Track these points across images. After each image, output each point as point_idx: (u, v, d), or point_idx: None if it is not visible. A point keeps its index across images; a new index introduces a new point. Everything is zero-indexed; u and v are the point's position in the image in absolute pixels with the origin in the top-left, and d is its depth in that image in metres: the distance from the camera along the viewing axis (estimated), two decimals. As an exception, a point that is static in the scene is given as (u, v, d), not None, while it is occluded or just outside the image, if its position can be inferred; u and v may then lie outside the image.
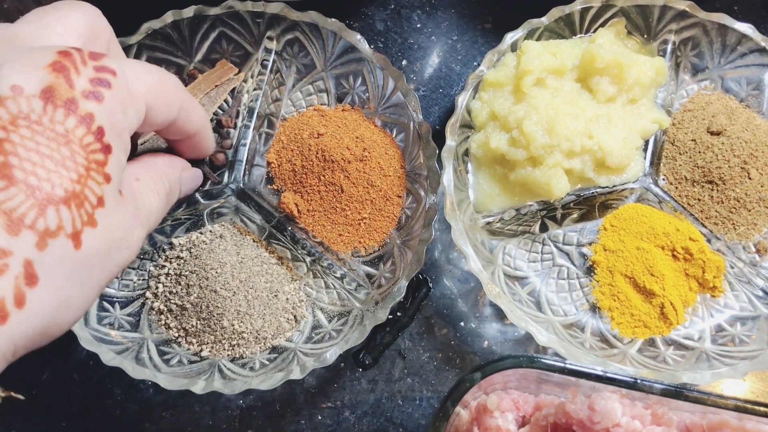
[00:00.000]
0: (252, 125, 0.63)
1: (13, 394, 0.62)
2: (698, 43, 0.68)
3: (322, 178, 0.61)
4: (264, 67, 0.65)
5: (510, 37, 0.64)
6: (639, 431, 0.44)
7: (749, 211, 0.63)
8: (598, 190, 0.63)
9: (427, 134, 0.60)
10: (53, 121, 0.31)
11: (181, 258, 0.61)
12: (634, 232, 0.63)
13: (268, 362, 0.58)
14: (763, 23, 0.75)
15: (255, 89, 0.64)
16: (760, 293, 0.61)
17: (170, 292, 0.59)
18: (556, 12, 0.65)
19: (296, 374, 0.54)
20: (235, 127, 0.65)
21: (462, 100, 0.62)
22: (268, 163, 0.65)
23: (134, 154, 0.45)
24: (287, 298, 0.60)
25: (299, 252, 0.62)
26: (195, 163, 0.50)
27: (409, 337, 0.64)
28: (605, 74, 0.63)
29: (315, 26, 0.63)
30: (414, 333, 0.65)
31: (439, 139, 0.60)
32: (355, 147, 0.61)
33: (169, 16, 0.63)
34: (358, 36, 0.63)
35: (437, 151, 0.59)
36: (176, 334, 0.59)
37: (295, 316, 0.60)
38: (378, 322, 0.55)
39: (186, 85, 0.64)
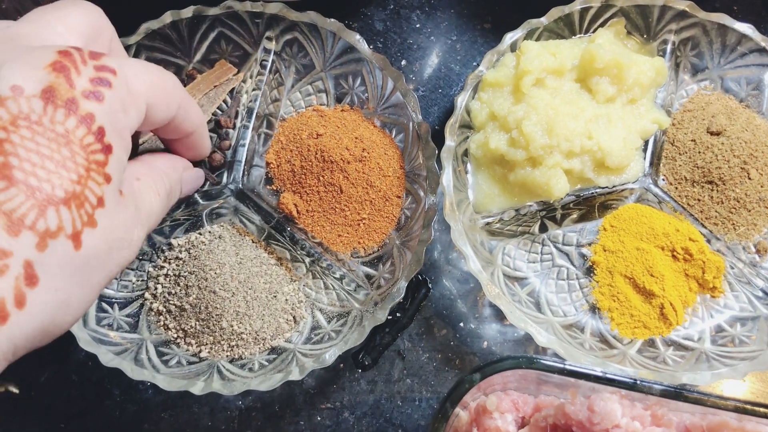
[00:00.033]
0: (251, 126, 0.63)
1: (8, 388, 0.62)
2: (698, 43, 0.68)
3: (321, 178, 0.61)
4: (263, 67, 0.65)
5: (509, 38, 0.64)
6: (639, 432, 0.44)
7: (749, 211, 0.63)
8: (597, 190, 0.63)
9: (426, 135, 0.60)
10: (53, 121, 0.31)
11: (180, 259, 0.61)
12: (634, 233, 0.62)
13: (267, 363, 0.58)
14: (762, 23, 0.75)
15: (254, 89, 0.64)
16: (760, 294, 0.61)
17: (169, 293, 0.59)
18: (556, 12, 0.65)
19: (295, 375, 0.54)
20: (234, 128, 0.65)
21: (461, 100, 0.62)
22: (267, 164, 0.65)
23: (135, 153, 0.45)
24: (286, 299, 0.60)
25: (298, 253, 0.62)
26: (194, 164, 0.50)
27: (409, 338, 0.64)
28: (605, 74, 0.63)
29: (314, 26, 0.63)
30: (413, 334, 0.64)
31: (439, 139, 0.60)
32: (354, 147, 0.61)
33: (167, 17, 0.63)
34: (357, 36, 0.63)
35: (436, 152, 0.59)
36: (175, 335, 0.59)
37: (294, 317, 0.60)
38: (377, 322, 0.55)
39: (185, 86, 0.64)
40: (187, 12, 0.63)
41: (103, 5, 0.41)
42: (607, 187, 0.63)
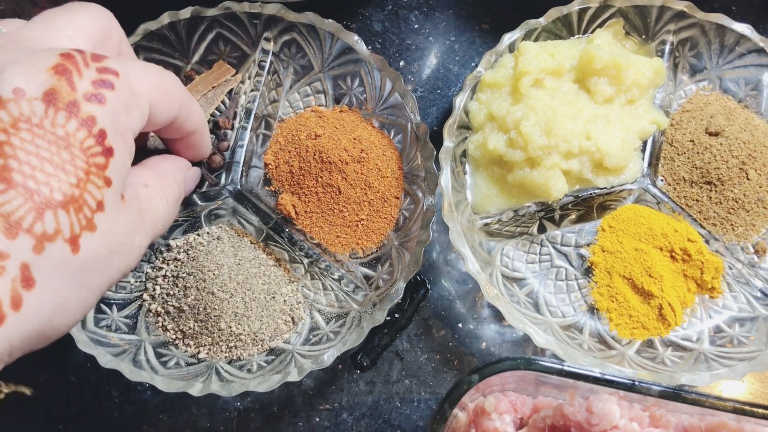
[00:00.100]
0: (249, 127, 0.63)
1: (19, 388, 0.62)
2: (696, 44, 0.68)
3: (319, 179, 0.61)
4: (261, 68, 0.65)
5: (508, 38, 0.64)
6: (637, 433, 0.44)
7: (748, 211, 0.63)
8: (596, 191, 0.63)
9: (424, 135, 0.60)
10: (54, 124, 0.31)
11: (179, 260, 0.60)
12: (633, 233, 0.62)
13: (265, 364, 0.58)
14: (761, 23, 0.75)
15: (252, 90, 0.64)
16: (759, 294, 0.61)
17: (167, 294, 0.59)
18: (554, 12, 0.65)
19: (294, 376, 0.54)
20: (232, 129, 0.65)
21: (460, 101, 0.62)
22: (266, 165, 0.65)
23: (143, 154, 0.45)
24: (285, 300, 0.60)
25: (297, 254, 0.62)
26: (192, 164, 0.50)
27: (407, 339, 0.64)
28: (603, 75, 0.63)
29: (312, 27, 0.63)
30: (412, 334, 0.64)
31: (437, 140, 0.60)
32: (352, 148, 0.61)
33: (165, 17, 0.63)
34: (356, 37, 0.63)
35: (435, 153, 0.59)
36: (173, 336, 0.59)
37: (292, 318, 0.60)
38: (376, 323, 0.55)
39: (183, 87, 0.64)
40: (185, 13, 0.63)
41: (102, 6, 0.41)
42: (605, 187, 0.63)
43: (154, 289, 0.60)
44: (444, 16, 0.76)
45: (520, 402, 0.50)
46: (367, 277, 0.61)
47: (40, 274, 0.30)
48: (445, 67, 0.74)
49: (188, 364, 0.58)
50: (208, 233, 0.62)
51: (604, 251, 0.63)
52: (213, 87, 0.65)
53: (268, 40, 0.65)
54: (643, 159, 0.65)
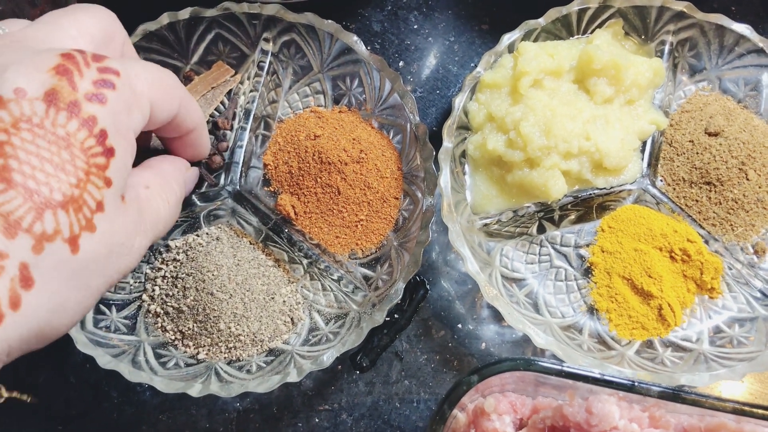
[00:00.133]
0: (248, 127, 0.63)
1: (17, 394, 0.62)
2: (696, 44, 0.68)
3: (318, 180, 0.61)
4: (260, 68, 0.65)
5: (507, 39, 0.64)
6: (636, 434, 0.44)
7: (747, 212, 0.63)
8: (595, 191, 0.63)
9: (424, 136, 0.60)
10: (55, 124, 0.31)
11: (178, 260, 0.60)
12: (632, 234, 0.62)
13: (264, 365, 0.58)
14: (760, 24, 0.75)
15: (251, 91, 0.64)
16: (758, 294, 0.61)
17: (167, 295, 0.59)
18: (553, 13, 0.65)
19: (293, 377, 0.54)
20: (231, 129, 0.64)
21: (459, 101, 0.62)
22: (265, 165, 0.65)
23: (145, 155, 0.45)
24: (284, 301, 0.60)
25: (296, 254, 0.62)
26: (192, 164, 0.50)
27: (407, 340, 0.64)
28: (602, 75, 0.63)
29: (311, 28, 0.63)
30: (411, 335, 0.64)
31: (436, 140, 0.60)
32: (351, 149, 0.61)
33: (164, 18, 0.62)
34: (355, 37, 0.63)
35: (434, 153, 0.59)
36: (173, 337, 0.59)
37: (292, 319, 0.60)
38: (375, 324, 0.55)
39: (182, 87, 0.64)
40: (184, 13, 0.63)
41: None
42: (605, 188, 0.63)
43: (154, 290, 0.60)
44: (443, 16, 0.76)
45: (520, 403, 0.50)
46: (366, 278, 0.61)
47: (39, 274, 0.30)
48: (445, 68, 0.74)
49: (187, 365, 0.58)
50: (207, 234, 0.62)
51: (603, 252, 0.63)
52: (212, 87, 0.65)
53: (267, 40, 0.65)
54: (642, 159, 0.65)
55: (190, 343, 0.58)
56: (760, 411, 0.44)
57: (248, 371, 0.57)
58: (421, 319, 0.65)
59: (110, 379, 0.63)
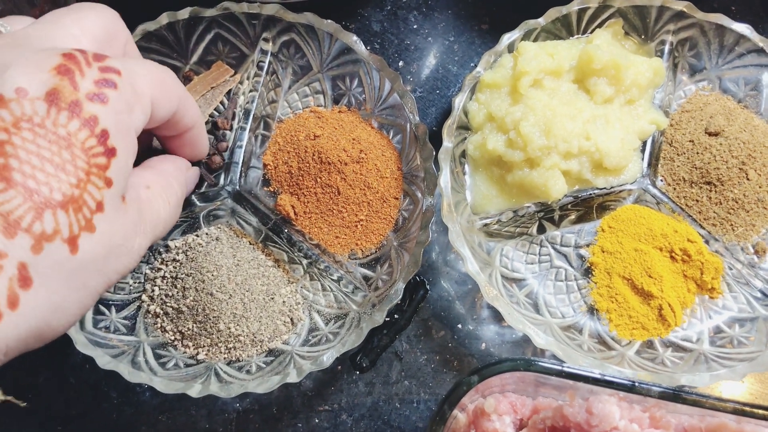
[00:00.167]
0: (248, 127, 0.63)
1: (12, 399, 0.61)
2: (696, 44, 0.67)
3: (318, 180, 0.61)
4: (260, 68, 0.65)
5: (507, 38, 0.64)
6: (637, 434, 0.44)
7: (747, 212, 0.63)
8: (595, 191, 0.63)
9: (423, 136, 0.60)
10: (56, 124, 0.31)
11: (177, 261, 0.60)
12: (632, 234, 0.62)
13: (264, 365, 0.58)
14: (760, 23, 0.75)
15: (251, 91, 0.64)
16: (759, 294, 0.61)
17: (166, 295, 0.59)
18: (553, 13, 0.65)
19: (293, 377, 0.54)
20: (231, 129, 0.64)
21: (459, 101, 0.62)
22: (265, 165, 0.65)
23: (148, 154, 0.45)
24: (284, 301, 0.60)
25: (296, 254, 0.62)
26: (192, 164, 0.50)
27: (407, 340, 0.64)
28: (602, 75, 0.63)
29: (311, 28, 0.63)
30: (411, 335, 0.64)
31: (436, 140, 0.60)
32: (351, 149, 0.61)
33: (164, 18, 0.62)
34: (355, 37, 0.62)
35: (434, 153, 0.59)
36: (172, 338, 0.59)
37: (291, 319, 0.60)
38: (375, 324, 0.55)
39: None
40: (184, 13, 0.63)
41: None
42: (605, 188, 0.63)
43: (153, 290, 0.60)
44: (443, 16, 0.76)
45: (520, 403, 0.50)
46: (366, 278, 0.61)
47: (38, 273, 0.30)
48: (444, 68, 0.74)
49: (187, 366, 0.58)
50: (206, 234, 0.62)
51: (603, 252, 0.63)
52: (212, 87, 0.65)
53: (266, 40, 0.65)
54: (642, 159, 0.65)
55: (190, 344, 0.58)
56: (761, 411, 0.44)
57: (248, 372, 0.57)
58: (421, 320, 0.65)
59: (110, 380, 0.62)
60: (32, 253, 0.29)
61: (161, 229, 0.41)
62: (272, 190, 0.64)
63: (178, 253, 0.61)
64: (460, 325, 0.65)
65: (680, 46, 0.68)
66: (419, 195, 0.60)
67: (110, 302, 0.59)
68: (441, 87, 0.73)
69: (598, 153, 0.60)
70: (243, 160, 0.62)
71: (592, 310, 0.62)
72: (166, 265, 0.61)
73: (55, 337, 0.33)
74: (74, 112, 0.31)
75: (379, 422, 0.62)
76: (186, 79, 0.65)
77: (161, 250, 0.62)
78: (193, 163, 0.50)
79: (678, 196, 0.65)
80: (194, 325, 0.57)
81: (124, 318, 0.59)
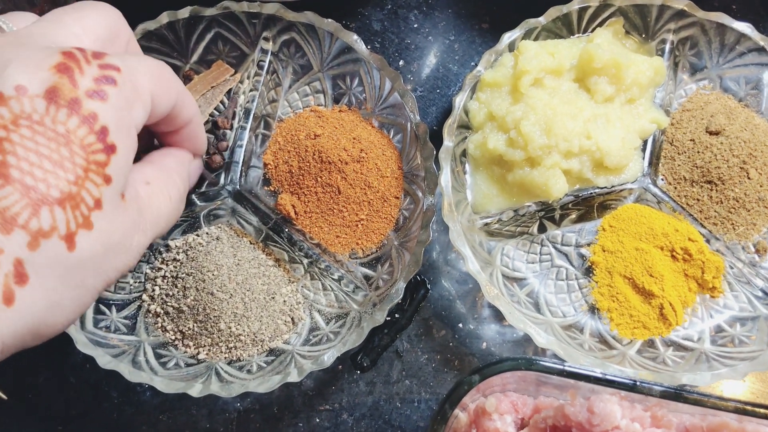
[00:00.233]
0: (248, 126, 0.63)
1: None
2: (697, 43, 0.67)
3: (319, 179, 0.61)
4: (260, 68, 0.65)
5: (507, 37, 0.64)
6: (638, 434, 0.44)
7: (748, 211, 0.63)
8: (596, 190, 0.63)
9: (424, 135, 0.60)
10: (55, 121, 0.31)
11: (178, 260, 0.60)
12: (633, 233, 0.62)
13: (265, 365, 0.58)
14: (761, 22, 0.75)
15: (251, 90, 0.64)
16: (760, 294, 0.61)
17: (167, 295, 0.59)
18: (554, 12, 0.65)
19: (294, 377, 0.54)
20: (231, 129, 0.64)
21: (459, 100, 0.62)
22: (265, 165, 0.64)
23: (149, 152, 0.44)
24: (284, 301, 0.60)
25: (296, 254, 0.62)
26: None
27: (407, 339, 0.64)
28: (603, 74, 0.63)
29: (311, 27, 0.63)
30: (412, 335, 0.64)
31: (437, 139, 0.60)
32: (352, 148, 0.61)
33: (164, 17, 0.62)
34: (355, 36, 0.62)
35: (435, 152, 0.59)
36: (173, 337, 0.58)
37: (292, 319, 0.60)
38: (376, 324, 0.55)
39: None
40: (184, 12, 0.63)
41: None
42: (605, 187, 0.63)
43: (153, 290, 0.60)
44: (443, 15, 0.76)
45: (521, 402, 0.50)
46: (367, 278, 0.61)
47: (34, 270, 0.30)
48: (445, 67, 0.74)
49: (188, 365, 0.58)
50: (207, 233, 0.62)
51: (604, 251, 0.63)
52: (212, 87, 0.65)
53: (267, 39, 0.65)
54: (643, 158, 0.65)
55: (191, 343, 0.58)
56: (762, 410, 0.44)
57: (249, 371, 0.57)
58: (421, 319, 0.65)
59: (110, 380, 0.62)
60: (28, 250, 0.29)
61: (163, 225, 0.40)
62: (273, 189, 0.64)
63: (178, 253, 0.61)
64: (461, 325, 0.65)
65: (681, 45, 0.68)
66: (420, 194, 0.60)
67: (111, 302, 0.59)
68: (441, 86, 0.73)
69: (599, 152, 0.60)
70: (243, 159, 0.62)
71: (593, 310, 0.62)
72: (167, 265, 0.61)
73: (53, 334, 0.33)
74: (73, 110, 0.31)
75: (380, 422, 0.62)
76: (186, 79, 0.65)
77: (162, 249, 0.62)
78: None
79: (679, 195, 0.64)
80: (195, 324, 0.57)
81: (125, 317, 0.59)
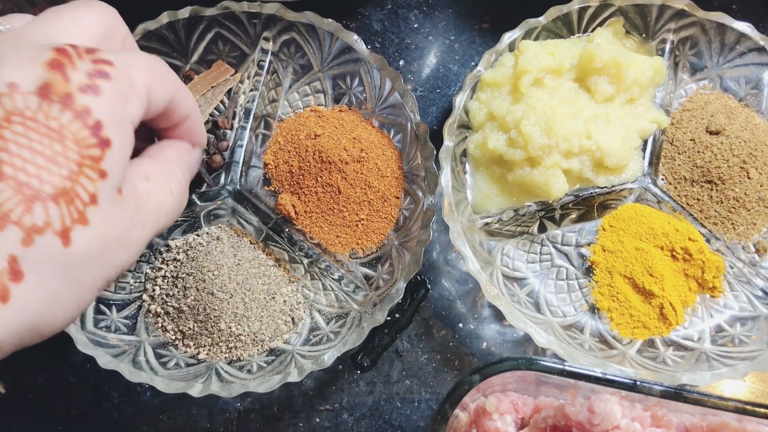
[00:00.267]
0: (248, 126, 0.63)
1: None
2: (697, 42, 0.67)
3: (319, 179, 0.61)
4: (260, 67, 0.65)
5: (508, 37, 0.64)
6: (639, 433, 0.44)
7: (748, 210, 0.63)
8: (596, 190, 0.63)
9: (424, 135, 0.60)
10: (48, 117, 0.31)
11: (178, 260, 0.60)
12: (633, 233, 0.62)
13: (265, 365, 0.58)
14: (761, 22, 0.75)
15: (251, 90, 0.64)
16: (760, 293, 0.61)
17: (167, 295, 0.59)
18: (554, 11, 0.65)
19: (294, 377, 0.54)
20: (231, 129, 0.64)
21: (460, 100, 0.62)
22: (265, 165, 0.64)
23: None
24: (285, 300, 0.60)
25: (297, 254, 0.62)
26: None
27: (408, 339, 0.64)
28: (603, 74, 0.63)
29: (311, 27, 0.63)
30: (412, 335, 0.64)
31: (437, 139, 0.60)
32: (352, 148, 0.61)
33: (164, 17, 0.62)
34: (355, 36, 0.62)
35: (435, 152, 0.59)
36: (173, 337, 0.59)
37: (292, 318, 0.60)
38: (376, 323, 0.55)
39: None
40: (184, 12, 0.63)
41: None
42: (606, 186, 0.63)
43: (154, 290, 0.60)
44: (444, 15, 0.76)
45: (522, 402, 0.50)
46: (367, 277, 0.61)
47: (29, 267, 0.29)
48: (445, 67, 0.74)
49: (188, 365, 0.58)
50: (207, 233, 0.62)
51: (604, 251, 0.63)
52: (212, 87, 0.65)
53: (267, 39, 0.65)
54: (643, 158, 0.65)
55: (191, 343, 0.58)
56: (762, 410, 0.44)
57: (249, 371, 0.57)
58: (422, 319, 0.65)
59: (110, 379, 0.62)
60: (22, 246, 0.29)
61: (164, 219, 0.40)
62: (273, 189, 0.64)
63: (178, 253, 0.61)
64: (461, 324, 0.65)
65: (681, 45, 0.68)
66: (420, 194, 0.60)
67: (111, 302, 0.59)
68: (442, 86, 0.73)
69: (599, 152, 0.60)
70: (244, 159, 0.62)
71: (593, 309, 0.62)
72: (167, 265, 0.61)
73: (52, 332, 0.32)
74: (66, 105, 0.31)
75: (380, 421, 0.62)
76: (186, 79, 0.65)
77: (162, 249, 0.62)
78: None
79: (679, 195, 0.64)
80: (195, 324, 0.57)
81: (125, 317, 0.59)
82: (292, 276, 0.62)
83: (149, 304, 0.60)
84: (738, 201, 0.62)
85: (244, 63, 0.66)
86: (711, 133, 0.64)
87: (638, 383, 0.45)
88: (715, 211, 0.63)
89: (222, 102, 0.66)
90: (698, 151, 0.64)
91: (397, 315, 0.62)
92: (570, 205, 0.64)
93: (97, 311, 0.58)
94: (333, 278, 0.61)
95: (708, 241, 0.62)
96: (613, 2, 0.66)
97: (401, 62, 0.74)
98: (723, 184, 0.62)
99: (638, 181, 0.64)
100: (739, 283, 0.62)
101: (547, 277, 0.64)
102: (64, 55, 0.32)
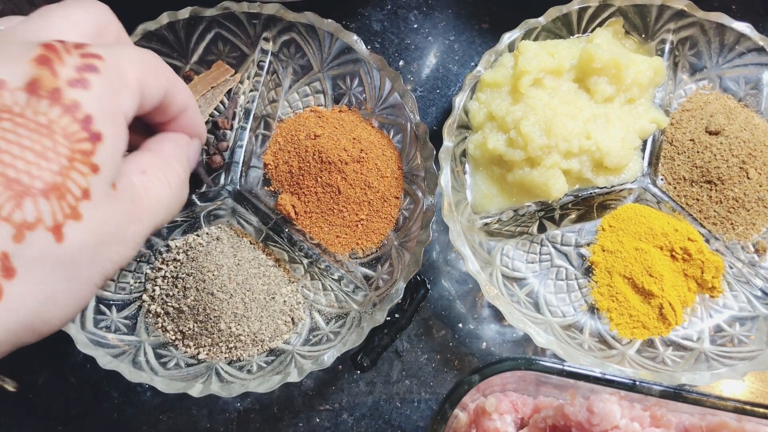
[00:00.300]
0: (248, 127, 0.63)
1: (3, 385, 0.61)
2: (696, 43, 0.67)
3: (319, 179, 0.61)
4: (260, 68, 0.65)
5: (507, 38, 0.64)
6: (638, 433, 0.44)
7: (748, 210, 0.63)
8: (596, 190, 0.63)
9: (424, 135, 0.60)
10: (36, 112, 0.30)
11: (178, 260, 0.60)
12: (633, 233, 0.62)
13: (265, 365, 0.58)
14: (761, 22, 0.75)
15: (251, 90, 0.64)
16: (759, 293, 0.61)
17: (167, 295, 0.59)
18: (554, 12, 0.65)
19: (294, 377, 0.54)
20: (231, 129, 0.64)
21: (459, 100, 0.62)
22: (265, 165, 0.65)
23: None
24: (284, 301, 0.60)
25: (296, 254, 0.62)
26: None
27: (407, 339, 0.64)
28: (603, 74, 0.63)
29: (311, 27, 0.63)
30: (412, 335, 0.64)
31: (437, 140, 0.60)
32: (352, 148, 0.61)
33: (164, 18, 0.62)
34: (355, 37, 0.62)
35: (434, 152, 0.59)
36: (173, 337, 0.59)
37: (292, 319, 0.60)
38: (376, 324, 0.55)
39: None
40: (184, 13, 0.63)
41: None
42: (605, 187, 0.63)
43: (154, 290, 0.60)
44: (443, 15, 0.76)
45: (521, 402, 0.50)
46: (367, 278, 0.61)
47: (21, 263, 0.29)
48: (445, 67, 0.74)
49: (188, 365, 0.58)
50: (207, 234, 0.62)
51: (604, 251, 0.63)
52: (212, 87, 0.65)
53: (267, 40, 0.65)
54: (643, 158, 0.65)
55: (191, 343, 0.58)
56: (761, 410, 0.44)
57: (249, 371, 0.57)
58: (421, 319, 0.65)
59: (111, 380, 0.62)
60: (13, 242, 0.29)
61: (162, 214, 0.39)
62: (273, 189, 0.64)
63: (178, 253, 0.61)
64: (460, 325, 0.65)
65: (681, 45, 0.68)
66: (420, 194, 0.60)
67: (111, 302, 0.59)
68: (441, 86, 0.73)
69: (599, 152, 0.60)
70: (243, 159, 0.62)
71: (592, 309, 0.62)
72: (167, 265, 0.61)
73: (51, 330, 0.32)
74: (54, 100, 0.31)
75: (380, 421, 0.62)
76: (186, 79, 0.65)
77: (162, 249, 0.62)
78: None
79: (678, 195, 0.65)
80: (195, 324, 0.57)
81: (125, 318, 0.59)
82: (292, 276, 0.62)
83: (149, 305, 0.60)
84: (737, 201, 0.62)
85: (244, 63, 0.66)
86: (710, 133, 0.64)
87: (637, 383, 0.45)
88: (715, 211, 0.63)
89: (222, 102, 0.66)
90: (698, 152, 0.64)
91: (396, 315, 0.62)
92: (569, 205, 0.64)
93: (97, 311, 0.58)
94: (333, 278, 0.61)
95: (707, 241, 0.62)
96: (613, 2, 0.66)
97: (401, 62, 0.74)
98: (722, 184, 0.63)
99: (638, 182, 0.64)
100: (739, 283, 0.62)
101: (546, 277, 0.64)
102: (51, 50, 0.32)
